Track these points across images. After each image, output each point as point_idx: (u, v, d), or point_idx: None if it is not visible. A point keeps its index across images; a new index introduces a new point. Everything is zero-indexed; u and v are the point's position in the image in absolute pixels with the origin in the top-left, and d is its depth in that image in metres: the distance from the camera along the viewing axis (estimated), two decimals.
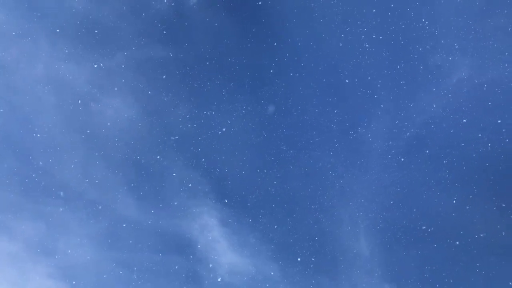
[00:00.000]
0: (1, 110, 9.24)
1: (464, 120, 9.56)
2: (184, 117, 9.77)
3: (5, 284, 9.63)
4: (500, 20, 9.17)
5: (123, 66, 9.47)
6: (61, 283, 9.88)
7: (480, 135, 9.48)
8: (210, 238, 10.07)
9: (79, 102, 9.49)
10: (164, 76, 9.65)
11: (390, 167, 9.89)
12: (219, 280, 9.22)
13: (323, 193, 9.99)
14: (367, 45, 9.59)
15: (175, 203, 9.93)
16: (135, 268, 9.97)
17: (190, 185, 9.93)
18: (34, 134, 9.42)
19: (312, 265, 10.05)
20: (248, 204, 10.04)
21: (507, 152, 9.41)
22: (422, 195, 9.84)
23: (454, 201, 9.67)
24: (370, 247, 9.96)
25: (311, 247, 10.06)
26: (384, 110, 9.80)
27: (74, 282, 9.75)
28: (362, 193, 9.99)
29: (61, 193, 9.68)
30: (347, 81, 9.76)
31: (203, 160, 9.90)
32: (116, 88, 9.55)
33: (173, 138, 9.81)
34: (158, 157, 9.84)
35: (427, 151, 9.77)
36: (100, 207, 9.83)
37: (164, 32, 9.49)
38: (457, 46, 9.41)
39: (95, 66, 9.33)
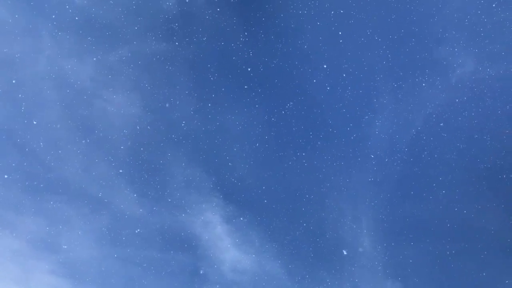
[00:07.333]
0: (5, 107, 9.19)
1: (467, 116, 9.56)
2: (188, 114, 9.75)
3: (8, 280, 9.62)
4: (505, 15, 9.15)
5: (126, 62, 9.43)
6: (64, 279, 9.88)
7: (483, 131, 9.50)
8: (214, 235, 10.08)
9: (82, 98, 9.44)
10: (168, 73, 9.61)
11: (393, 164, 9.90)
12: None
13: (326, 191, 10.00)
14: (369, 42, 9.56)
15: (179, 200, 9.93)
16: (138, 265, 9.98)
17: (193, 182, 9.93)
18: (37, 131, 9.38)
19: (315, 262, 10.08)
20: (252, 201, 10.06)
21: (509, 148, 9.44)
22: (424, 192, 9.87)
23: (457, 198, 9.70)
24: (373, 244, 9.99)
25: (314, 244, 10.09)
26: (387, 108, 9.80)
27: (87, 279, 9.78)
28: (365, 191, 10.01)
29: (64, 190, 9.66)
30: (349, 78, 9.75)
31: (207, 157, 9.89)
32: (119, 85, 9.51)
33: (177, 135, 9.79)
34: (161, 153, 9.82)
35: (430, 148, 9.78)
36: (103, 204, 9.82)
37: (169, 28, 9.44)
38: (461, 42, 9.40)
39: (98, 62, 9.28)
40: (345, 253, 9.74)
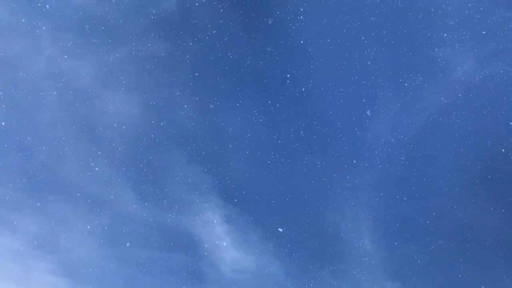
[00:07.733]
0: (3, 106, 9.21)
1: (464, 117, 9.57)
2: (188, 114, 9.76)
3: (8, 280, 9.63)
4: (504, 15, 9.16)
5: (126, 62, 9.45)
6: (64, 279, 9.89)
7: (480, 132, 9.50)
8: (213, 234, 10.09)
9: (82, 98, 9.47)
10: (167, 73, 9.64)
11: (393, 164, 9.91)
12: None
13: (326, 190, 10.01)
14: (362, 42, 9.57)
15: (178, 200, 9.94)
16: (137, 265, 9.99)
17: (193, 181, 9.94)
18: (36, 130, 9.40)
19: (314, 262, 10.08)
20: (252, 201, 10.06)
21: (509, 149, 9.44)
22: (423, 192, 9.87)
23: (457, 198, 9.70)
24: (373, 244, 9.99)
25: (314, 244, 10.10)
26: (386, 107, 9.81)
27: (87, 279, 9.77)
28: (365, 190, 10.02)
29: (63, 189, 9.68)
30: (349, 78, 9.76)
31: (206, 156, 9.90)
32: (119, 84, 9.53)
33: (176, 134, 9.81)
34: (161, 153, 9.84)
35: (427, 149, 9.79)
36: (102, 203, 9.83)
37: (169, 28, 9.46)
38: (457, 43, 9.40)
39: (98, 62, 9.31)
40: (280, 230, 9.73)
